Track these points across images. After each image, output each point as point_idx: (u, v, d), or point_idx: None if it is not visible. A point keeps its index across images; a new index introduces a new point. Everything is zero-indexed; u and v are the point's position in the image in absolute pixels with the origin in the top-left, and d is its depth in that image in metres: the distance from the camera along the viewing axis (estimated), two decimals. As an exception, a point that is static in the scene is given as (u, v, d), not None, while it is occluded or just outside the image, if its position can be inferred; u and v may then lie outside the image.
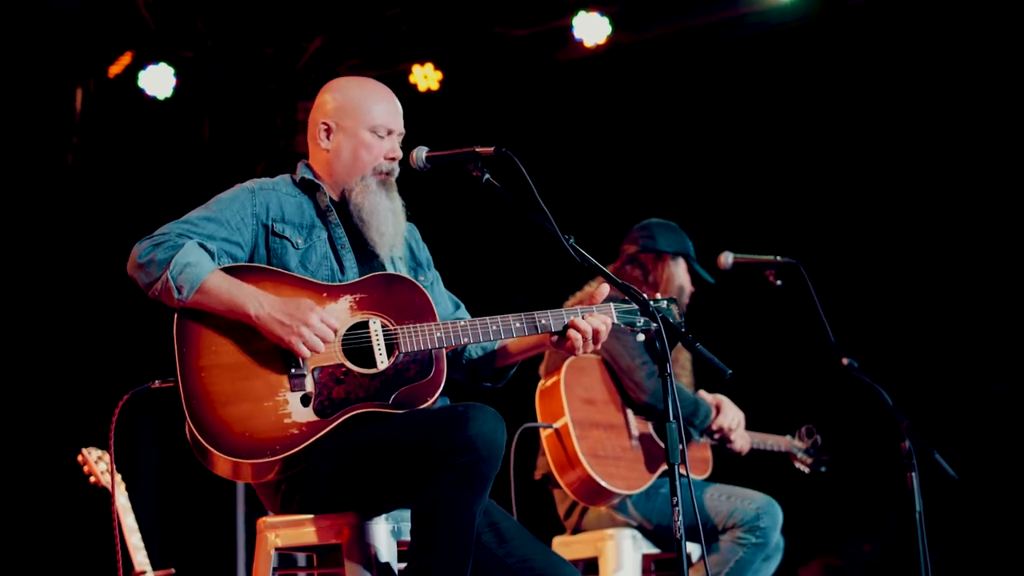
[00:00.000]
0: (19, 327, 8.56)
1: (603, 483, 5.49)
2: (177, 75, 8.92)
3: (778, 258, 5.60)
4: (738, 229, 8.31)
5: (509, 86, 9.38)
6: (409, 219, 4.41)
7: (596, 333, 4.16)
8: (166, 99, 8.96)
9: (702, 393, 5.91)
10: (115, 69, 8.86)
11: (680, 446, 3.84)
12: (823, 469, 6.25)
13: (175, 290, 3.94)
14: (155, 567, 5.87)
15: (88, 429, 6.16)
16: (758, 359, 8.23)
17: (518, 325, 4.16)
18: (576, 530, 5.84)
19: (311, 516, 4.04)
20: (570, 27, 8.76)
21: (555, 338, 4.20)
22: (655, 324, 3.98)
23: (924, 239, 8.59)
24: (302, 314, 3.95)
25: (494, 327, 4.14)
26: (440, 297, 4.53)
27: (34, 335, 8.62)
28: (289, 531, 4.08)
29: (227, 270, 4.04)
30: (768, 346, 8.50)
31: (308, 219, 4.25)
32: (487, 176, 4.15)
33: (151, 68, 8.88)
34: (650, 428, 5.76)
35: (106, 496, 5.77)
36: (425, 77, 9.27)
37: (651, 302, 4.17)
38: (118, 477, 5.85)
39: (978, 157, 8.44)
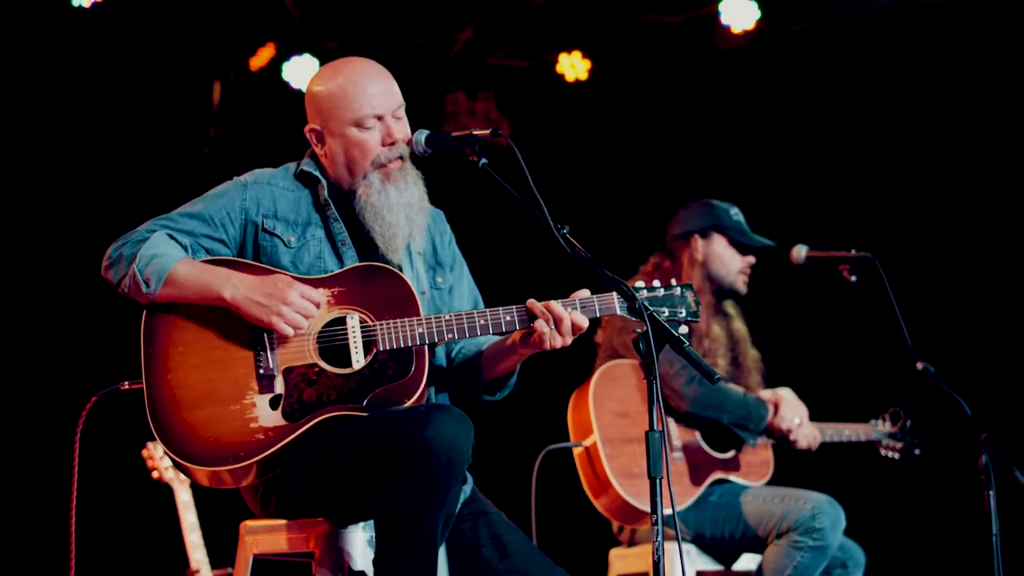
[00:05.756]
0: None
1: (638, 505, 5.11)
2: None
3: (853, 252, 5.16)
4: (814, 222, 7.66)
5: (660, 74, 8.99)
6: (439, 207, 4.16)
7: (574, 324, 3.76)
8: (312, 91, 8.86)
9: (762, 393, 5.49)
10: (257, 62, 8.78)
11: (663, 460, 3.51)
12: (917, 452, 5.78)
13: (143, 283, 3.76)
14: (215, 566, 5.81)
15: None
16: (829, 359, 7.71)
17: (508, 318, 3.80)
18: (632, 543, 5.47)
19: (285, 523, 3.83)
20: (717, 13, 8.39)
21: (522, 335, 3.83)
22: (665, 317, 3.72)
23: (1010, 237, 7.77)
24: (280, 292, 3.73)
25: (482, 321, 3.80)
26: (458, 300, 4.23)
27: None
28: (266, 537, 3.89)
29: None
30: (840, 346, 7.86)
31: (304, 215, 4.01)
32: (484, 161, 3.87)
33: (295, 59, 8.73)
34: (696, 436, 5.37)
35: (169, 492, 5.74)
36: (572, 67, 8.98)
37: (664, 289, 3.86)
38: (182, 475, 5.78)
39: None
